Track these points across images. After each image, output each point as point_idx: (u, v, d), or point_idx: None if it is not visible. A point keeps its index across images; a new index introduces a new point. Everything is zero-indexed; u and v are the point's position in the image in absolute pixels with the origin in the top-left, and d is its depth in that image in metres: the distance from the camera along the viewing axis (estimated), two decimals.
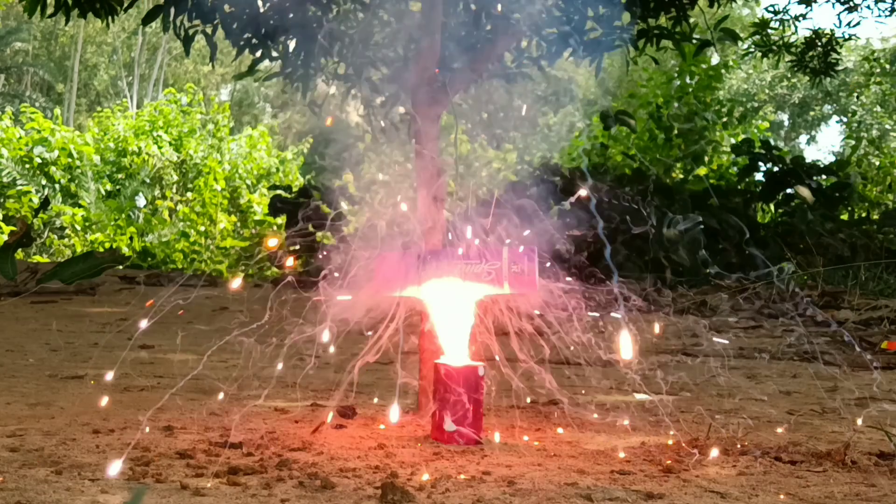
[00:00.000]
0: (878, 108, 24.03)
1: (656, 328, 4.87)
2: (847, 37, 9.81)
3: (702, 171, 14.81)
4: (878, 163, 17.63)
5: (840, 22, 9.72)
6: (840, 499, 2.22)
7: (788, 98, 27.27)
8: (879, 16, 11.36)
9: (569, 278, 2.88)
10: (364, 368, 2.86)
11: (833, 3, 9.58)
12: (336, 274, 2.83)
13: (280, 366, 2.82)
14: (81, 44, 29.61)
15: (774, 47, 9.66)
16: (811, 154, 33.62)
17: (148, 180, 18.33)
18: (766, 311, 7.83)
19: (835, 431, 3.11)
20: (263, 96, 33.04)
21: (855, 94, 25.25)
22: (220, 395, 3.24)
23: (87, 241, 16.41)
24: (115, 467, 2.21)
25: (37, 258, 15.27)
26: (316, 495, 2.10)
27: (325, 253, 2.87)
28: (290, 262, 2.94)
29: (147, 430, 2.70)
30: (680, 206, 11.31)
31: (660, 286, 9.02)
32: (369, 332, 2.81)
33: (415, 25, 3.59)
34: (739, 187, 13.66)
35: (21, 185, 17.52)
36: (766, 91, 26.49)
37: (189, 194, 17.33)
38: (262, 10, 4.61)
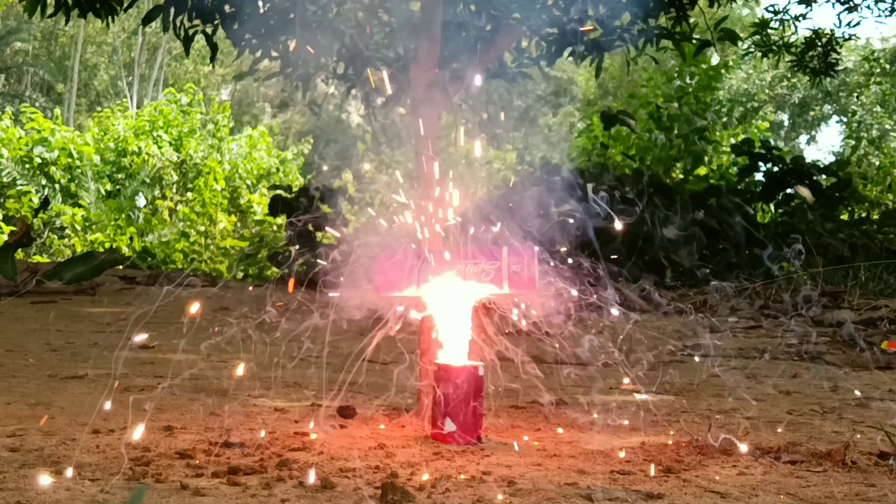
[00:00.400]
0: (878, 108, 24.03)
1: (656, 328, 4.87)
2: (847, 37, 9.81)
3: (702, 171, 14.81)
4: (878, 163, 17.63)
5: (840, 22, 9.73)
6: (840, 499, 2.22)
7: (788, 98, 27.27)
8: (879, 16, 11.36)
9: (568, 277, 2.88)
10: (364, 368, 2.86)
11: (833, 3, 9.59)
12: (336, 274, 2.83)
13: (282, 365, 2.82)
14: (81, 44, 29.61)
15: (774, 47, 9.66)
16: (811, 154, 33.61)
17: (148, 180, 18.33)
18: (766, 311, 7.83)
19: (835, 431, 3.11)
20: (263, 96, 33.04)
21: (855, 94, 25.24)
22: (219, 395, 3.24)
23: (87, 241, 16.40)
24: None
25: (37, 258, 15.27)
26: (316, 495, 2.10)
27: (327, 257, 2.87)
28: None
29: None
30: (680, 206, 11.30)
31: (659, 286, 9.02)
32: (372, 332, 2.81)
33: (415, 25, 3.59)
34: (739, 187, 13.66)
35: (21, 185, 17.52)
36: (766, 91, 26.48)
37: (189, 194, 17.33)
38: (262, 10, 4.61)
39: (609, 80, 22.23)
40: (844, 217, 13.64)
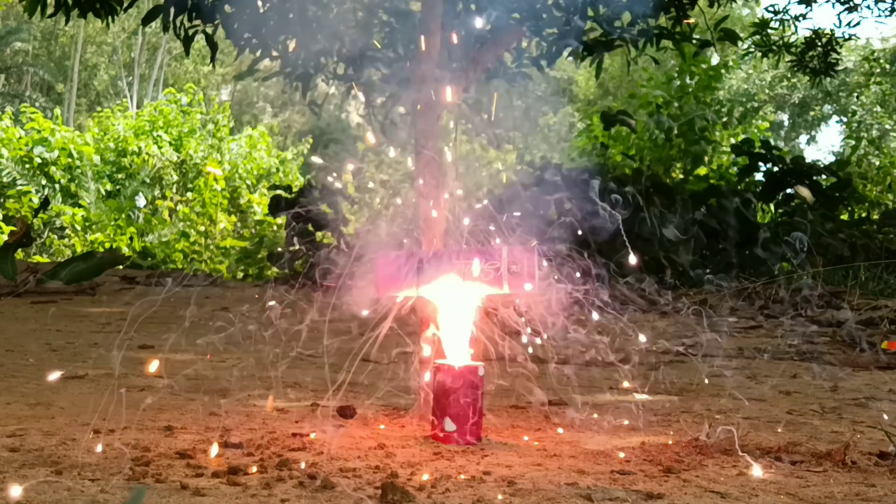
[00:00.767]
0: (878, 108, 24.03)
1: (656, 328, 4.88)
2: (847, 37, 9.82)
3: (702, 170, 14.81)
4: (878, 163, 17.63)
5: (840, 22, 9.74)
6: (840, 499, 2.22)
7: (788, 98, 27.27)
8: (879, 16, 11.37)
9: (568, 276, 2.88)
10: (364, 368, 2.86)
11: (833, 3, 9.59)
12: (336, 274, 2.83)
13: (279, 366, 2.82)
14: (81, 44, 29.62)
15: (774, 47, 9.67)
16: (811, 154, 33.62)
17: (148, 180, 18.34)
18: (766, 311, 7.83)
19: (835, 431, 3.11)
20: (263, 96, 33.05)
21: (855, 94, 25.25)
22: (222, 395, 3.24)
23: (87, 241, 16.41)
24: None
25: (37, 258, 15.28)
26: (316, 495, 2.10)
27: (327, 257, 2.87)
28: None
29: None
30: (680, 206, 11.31)
31: (659, 286, 9.03)
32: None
33: (415, 25, 3.59)
34: (739, 187, 13.66)
35: (21, 185, 17.52)
36: (766, 91, 26.49)
37: (189, 194, 17.33)
38: (262, 10, 4.61)
39: (609, 80, 22.23)
40: (844, 217, 13.64)
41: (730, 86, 23.95)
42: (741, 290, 8.58)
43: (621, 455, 2.61)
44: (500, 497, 2.12)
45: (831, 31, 9.77)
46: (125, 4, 5.41)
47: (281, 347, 2.88)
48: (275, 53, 5.14)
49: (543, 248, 2.81)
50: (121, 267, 10.85)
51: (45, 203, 15.06)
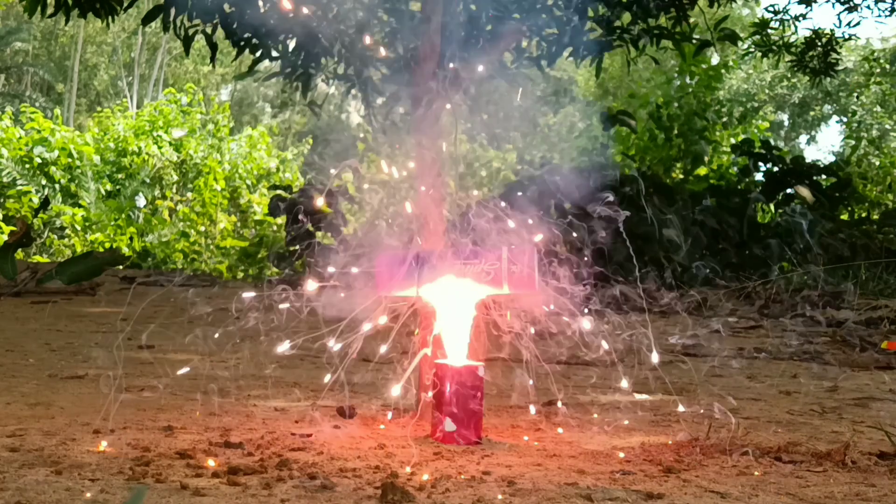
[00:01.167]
0: (878, 108, 24.03)
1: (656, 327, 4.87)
2: (847, 37, 9.82)
3: (702, 171, 14.82)
4: (878, 163, 17.63)
5: (840, 22, 9.74)
6: (840, 499, 2.22)
7: (788, 98, 27.27)
8: (879, 16, 11.37)
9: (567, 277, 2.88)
10: (364, 368, 2.86)
11: (833, 3, 9.59)
12: (335, 274, 2.83)
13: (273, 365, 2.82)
14: (81, 44, 29.62)
15: (774, 47, 9.67)
16: (811, 154, 33.62)
17: (148, 180, 18.34)
18: (766, 311, 7.83)
19: (835, 431, 3.11)
20: (263, 96, 33.05)
21: (855, 94, 25.25)
22: (219, 394, 3.24)
23: (87, 241, 16.41)
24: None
25: (37, 258, 15.28)
26: (316, 495, 2.10)
27: (327, 257, 2.87)
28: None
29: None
30: (680, 206, 11.31)
31: (659, 286, 9.02)
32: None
33: (415, 25, 3.59)
34: (739, 187, 13.67)
35: (21, 185, 17.52)
36: (766, 91, 26.48)
37: (189, 194, 17.33)
38: (262, 9, 4.61)
39: (609, 80, 22.23)
40: (844, 217, 13.64)
41: (730, 86, 23.95)
42: (741, 290, 8.59)
43: (621, 455, 2.61)
44: (500, 497, 2.12)
45: (831, 31, 9.78)
46: (125, 4, 5.41)
47: (280, 347, 2.88)
48: (275, 53, 5.14)
49: (543, 249, 2.81)
50: (121, 267, 10.85)
51: (45, 203, 15.06)
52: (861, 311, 7.43)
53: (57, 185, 17.71)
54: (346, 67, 4.70)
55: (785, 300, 8.23)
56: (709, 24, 5.58)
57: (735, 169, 14.74)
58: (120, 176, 18.49)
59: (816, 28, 9.76)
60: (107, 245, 15.88)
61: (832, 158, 22.91)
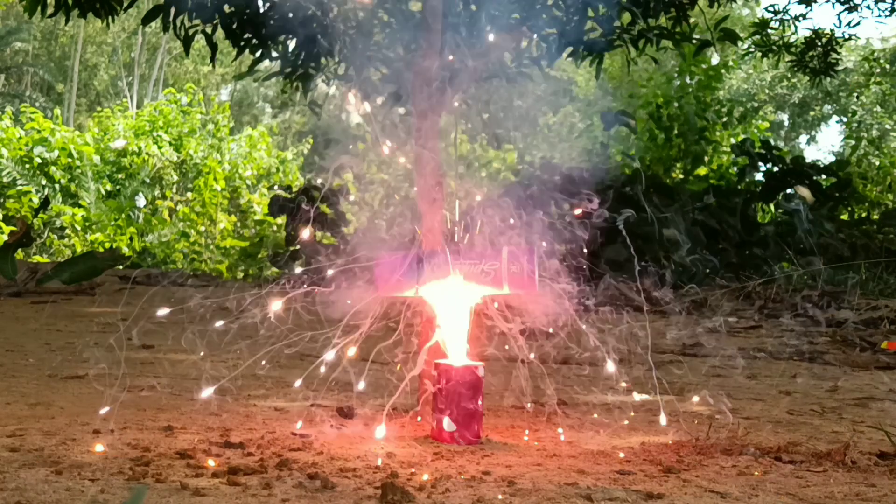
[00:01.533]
0: (878, 108, 24.03)
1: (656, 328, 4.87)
2: (847, 37, 9.81)
3: (702, 171, 14.82)
4: (878, 163, 17.63)
5: (840, 22, 9.74)
6: (840, 499, 2.22)
7: (788, 98, 27.26)
8: (879, 16, 11.37)
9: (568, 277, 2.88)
10: (364, 368, 2.86)
11: (833, 3, 9.59)
12: (335, 274, 2.83)
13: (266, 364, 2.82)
14: (81, 44, 29.61)
15: (774, 47, 9.66)
16: (811, 154, 33.62)
17: (148, 180, 18.33)
18: (766, 311, 7.83)
19: (835, 431, 3.11)
20: (263, 96, 33.04)
21: (855, 94, 25.25)
22: (219, 394, 3.24)
23: (87, 241, 16.41)
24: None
25: (37, 258, 15.27)
26: (316, 495, 2.10)
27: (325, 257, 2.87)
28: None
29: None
30: (680, 206, 11.31)
31: (659, 286, 9.02)
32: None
33: (415, 25, 3.59)
34: (739, 187, 13.67)
35: (21, 185, 17.52)
36: (766, 91, 26.49)
37: (189, 194, 17.33)
38: (262, 9, 4.61)
39: (609, 80, 22.23)
40: (844, 217, 13.64)
41: (730, 86, 23.95)
42: (741, 290, 8.58)
43: (621, 455, 2.61)
44: (500, 497, 2.12)
45: (831, 31, 9.77)
46: (125, 4, 5.41)
47: (279, 347, 2.88)
48: (275, 53, 5.14)
49: (543, 249, 2.81)
50: (121, 267, 10.85)
51: (45, 203, 15.06)
52: (861, 311, 7.43)
53: (57, 185, 17.70)
54: (346, 67, 4.70)
55: (785, 300, 8.23)
56: (709, 24, 5.57)
57: (735, 169, 14.74)
58: (120, 176, 18.49)
59: (816, 28, 9.76)
60: (107, 245, 15.88)
61: (832, 158, 22.93)
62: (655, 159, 14.77)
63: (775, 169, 13.41)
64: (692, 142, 14.91)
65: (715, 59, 16.30)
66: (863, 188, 15.18)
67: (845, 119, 26.27)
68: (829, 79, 10.39)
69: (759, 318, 7.42)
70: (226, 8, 4.85)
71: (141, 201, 18.14)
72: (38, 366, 4.20)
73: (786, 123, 29.87)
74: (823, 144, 56.80)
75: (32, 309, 6.91)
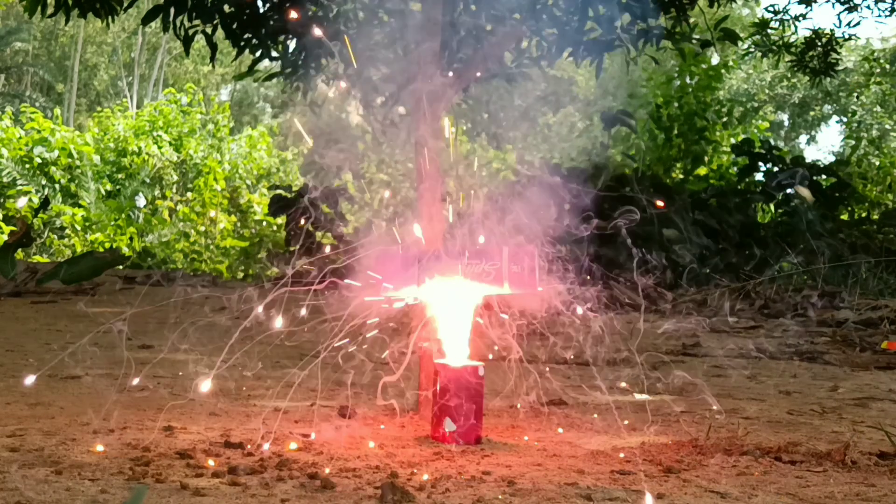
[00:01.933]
0: (878, 108, 24.04)
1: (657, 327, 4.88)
2: (847, 37, 9.81)
3: (702, 170, 14.82)
4: (878, 163, 17.63)
5: (840, 22, 9.74)
6: (840, 499, 2.22)
7: (788, 98, 27.27)
8: (879, 16, 11.37)
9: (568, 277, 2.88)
10: (364, 368, 2.86)
11: (833, 3, 9.59)
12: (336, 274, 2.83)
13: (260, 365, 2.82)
14: (81, 44, 29.61)
15: (774, 47, 9.67)
16: (811, 154, 33.61)
17: (148, 180, 18.33)
18: (766, 311, 7.83)
19: (835, 431, 3.11)
20: (263, 96, 33.04)
21: (855, 94, 25.25)
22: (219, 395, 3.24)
23: (87, 241, 16.41)
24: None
25: (37, 258, 15.27)
26: (316, 495, 2.10)
27: (327, 255, 2.87)
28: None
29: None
30: (680, 206, 11.31)
31: (659, 286, 9.03)
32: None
33: (415, 25, 3.59)
34: (739, 187, 13.67)
35: (21, 185, 17.52)
36: (766, 91, 26.49)
37: (189, 194, 17.33)
38: (262, 9, 4.61)
39: (609, 80, 22.22)
40: (844, 217, 13.64)
41: (730, 86, 23.95)
42: (741, 290, 8.59)
43: (621, 455, 2.61)
44: (500, 497, 2.12)
45: (831, 31, 9.77)
46: (125, 4, 5.41)
47: (278, 347, 2.88)
48: (275, 53, 5.14)
49: (543, 249, 2.81)
50: (121, 267, 10.85)
51: (45, 203, 15.06)
52: (861, 311, 7.43)
53: (57, 185, 17.70)
54: (346, 67, 4.70)
55: (785, 300, 8.23)
56: (709, 24, 5.57)
57: (735, 169, 14.74)
58: (120, 176, 18.49)
59: (816, 28, 9.77)
60: (107, 245, 15.88)
61: (832, 158, 22.93)
62: (655, 159, 14.77)
63: (775, 169, 13.42)
64: (692, 142, 14.91)
65: (715, 59, 16.30)
66: (863, 188, 15.18)
67: (845, 119, 26.28)
68: (829, 79, 10.40)
69: (759, 318, 7.42)
70: (226, 8, 4.86)
71: (141, 201, 18.14)
72: (37, 366, 4.20)
73: (786, 123, 29.88)
74: (823, 144, 56.80)
75: (32, 309, 6.91)
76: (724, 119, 16.31)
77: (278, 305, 2.80)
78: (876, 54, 24.15)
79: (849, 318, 6.93)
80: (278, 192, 15.03)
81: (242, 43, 5.03)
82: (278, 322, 2.71)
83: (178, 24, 5.05)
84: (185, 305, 2.93)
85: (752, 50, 10.04)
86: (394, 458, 2.48)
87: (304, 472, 2.28)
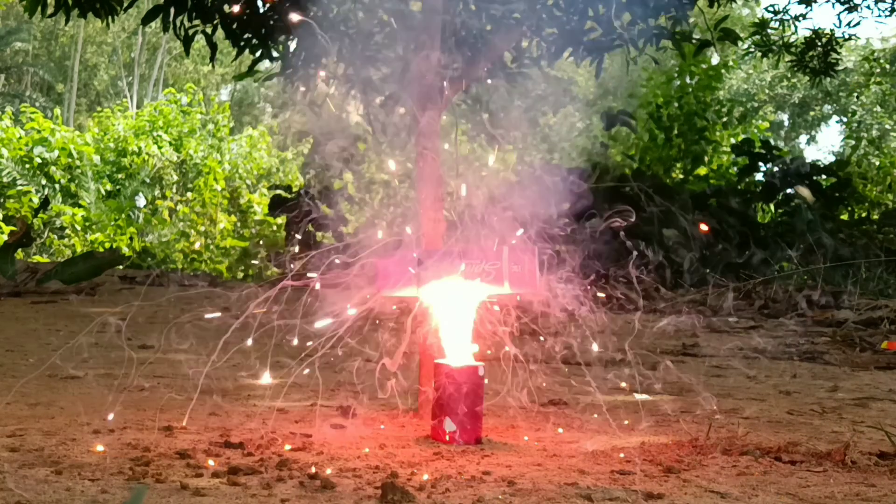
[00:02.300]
0: (878, 108, 24.04)
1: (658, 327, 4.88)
2: (847, 37, 9.81)
3: (702, 170, 14.82)
4: (878, 163, 17.64)
5: (840, 22, 9.73)
6: (840, 499, 2.22)
7: (788, 98, 27.27)
8: (879, 16, 11.37)
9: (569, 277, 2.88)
10: (363, 368, 2.86)
11: (833, 3, 9.59)
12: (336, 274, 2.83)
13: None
14: (81, 44, 29.61)
15: (774, 47, 9.66)
16: (811, 154, 33.61)
17: (148, 180, 18.33)
18: (766, 311, 7.83)
19: (835, 431, 3.11)
20: (263, 96, 33.03)
21: (855, 94, 25.25)
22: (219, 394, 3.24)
23: (87, 241, 16.41)
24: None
25: (37, 258, 15.27)
26: (316, 495, 2.10)
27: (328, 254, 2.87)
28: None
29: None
30: (680, 206, 11.32)
31: (659, 286, 9.03)
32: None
33: (415, 25, 3.59)
34: (739, 187, 13.67)
35: (21, 185, 17.51)
36: (766, 91, 26.49)
37: (189, 194, 17.33)
38: (262, 9, 4.61)
39: (609, 79, 22.22)
40: (844, 217, 13.64)
41: (730, 86, 23.95)
42: (741, 290, 8.58)
43: (621, 455, 2.61)
44: (500, 497, 2.12)
45: (831, 31, 9.77)
46: (125, 4, 5.41)
47: (278, 347, 2.88)
48: (275, 53, 5.14)
49: (543, 249, 2.81)
50: (121, 267, 10.85)
51: (45, 203, 15.06)
52: (861, 311, 7.43)
53: (57, 185, 17.70)
54: (346, 67, 4.69)
55: (785, 300, 8.23)
56: (709, 24, 5.57)
57: (735, 169, 14.74)
58: (120, 176, 18.49)
59: (816, 28, 9.76)
60: (107, 245, 15.88)
61: (832, 158, 22.93)
62: (655, 159, 14.77)
63: (775, 169, 13.43)
64: (692, 142, 14.91)
65: (715, 59, 16.30)
66: (863, 188, 15.19)
67: (845, 119, 26.28)
68: (829, 79, 10.39)
69: (759, 317, 7.42)
70: (226, 8, 4.86)
71: (141, 201, 18.14)
72: (37, 366, 4.20)
73: (786, 123, 29.88)
74: (823, 144, 56.81)
75: (32, 309, 6.91)
76: (724, 119, 16.31)
77: (278, 305, 2.80)
78: (876, 54, 24.15)
79: (849, 318, 6.93)
80: (278, 192, 15.03)
81: (242, 43, 5.03)
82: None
83: (178, 24, 5.05)
84: (185, 306, 2.93)
85: (752, 50, 10.04)
86: (394, 458, 2.48)
87: (304, 472, 2.28)
